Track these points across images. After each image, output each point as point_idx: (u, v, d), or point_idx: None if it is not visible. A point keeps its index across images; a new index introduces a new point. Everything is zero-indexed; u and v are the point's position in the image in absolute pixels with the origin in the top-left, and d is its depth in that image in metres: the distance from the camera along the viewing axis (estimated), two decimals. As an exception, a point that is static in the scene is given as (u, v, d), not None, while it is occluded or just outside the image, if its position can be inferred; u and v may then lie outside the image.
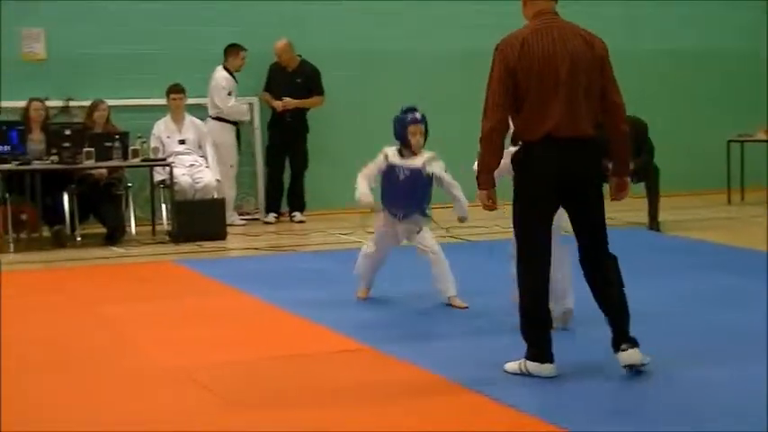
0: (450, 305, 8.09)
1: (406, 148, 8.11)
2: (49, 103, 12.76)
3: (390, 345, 6.89)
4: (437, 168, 8.08)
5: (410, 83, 14.45)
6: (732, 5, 16.38)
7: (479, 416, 5.49)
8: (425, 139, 8.15)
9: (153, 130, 13.07)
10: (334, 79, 14.05)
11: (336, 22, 14.58)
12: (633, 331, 6.05)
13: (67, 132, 12.01)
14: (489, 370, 6.19)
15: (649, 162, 12.47)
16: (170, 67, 13.53)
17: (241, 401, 5.79)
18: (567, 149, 5.95)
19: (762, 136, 15.14)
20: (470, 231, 11.68)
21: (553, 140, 5.93)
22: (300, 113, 13.96)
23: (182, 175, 12.72)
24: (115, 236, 12.24)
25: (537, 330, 6.06)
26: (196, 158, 13.12)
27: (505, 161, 6.20)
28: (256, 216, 14.16)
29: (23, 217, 12.02)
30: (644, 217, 12.49)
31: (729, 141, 15.17)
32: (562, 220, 6.36)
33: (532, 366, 6.02)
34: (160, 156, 12.63)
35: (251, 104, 14.11)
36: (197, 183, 12.84)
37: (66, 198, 12.15)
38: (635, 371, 5.99)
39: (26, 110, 12.40)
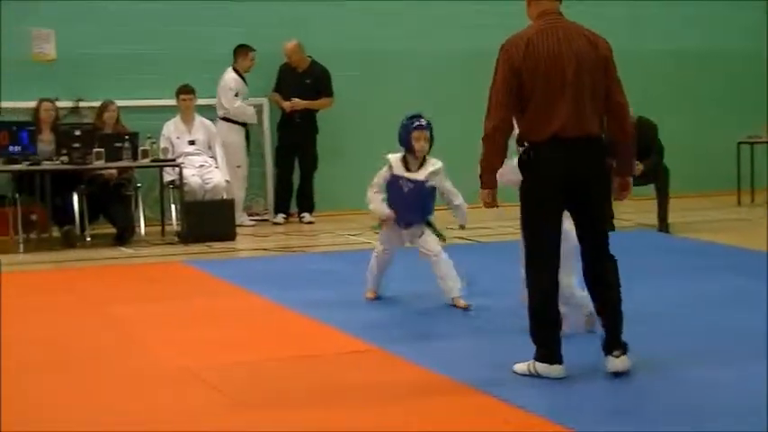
0: (454, 305, 8.10)
1: (411, 154, 8.14)
2: (59, 104, 12.79)
3: (398, 345, 6.89)
4: (439, 182, 8.16)
5: (418, 84, 14.45)
6: (736, 5, 16.31)
7: (487, 416, 5.48)
8: (431, 146, 8.18)
9: (162, 130, 13.08)
10: (343, 80, 14.04)
11: (344, 23, 14.57)
12: (638, 331, 6.05)
13: (77, 133, 12.02)
14: (497, 371, 6.18)
15: (659, 163, 12.46)
16: (179, 68, 13.54)
17: (249, 402, 5.79)
18: (573, 149, 5.94)
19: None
20: (480, 233, 11.68)
21: (560, 141, 5.93)
22: (310, 114, 13.96)
23: (191, 175, 12.74)
24: (125, 236, 12.26)
25: (546, 331, 6.05)
26: (206, 159, 13.13)
27: (510, 177, 6.20)
28: (265, 217, 14.16)
29: (33, 217, 12.04)
30: (654, 218, 12.47)
31: (739, 143, 15.14)
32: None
33: (541, 367, 6.01)
34: (170, 156, 12.64)
35: (260, 105, 14.13)
36: (206, 183, 12.85)
37: (75, 198, 12.17)
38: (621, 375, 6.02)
39: (36, 110, 12.42)
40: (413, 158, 8.17)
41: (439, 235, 8.29)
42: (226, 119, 13.57)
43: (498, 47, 6.07)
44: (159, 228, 12.66)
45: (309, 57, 13.98)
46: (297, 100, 13.79)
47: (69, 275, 10.32)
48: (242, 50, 13.58)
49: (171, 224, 12.83)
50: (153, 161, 12.35)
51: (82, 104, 13.29)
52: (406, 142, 8.13)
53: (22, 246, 11.75)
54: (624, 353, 6.01)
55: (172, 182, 12.78)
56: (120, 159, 12.05)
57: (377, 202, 8.28)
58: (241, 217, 13.34)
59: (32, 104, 12.50)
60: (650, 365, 6.21)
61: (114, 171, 12.38)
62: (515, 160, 6.22)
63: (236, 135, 13.64)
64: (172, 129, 13.16)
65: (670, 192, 12.49)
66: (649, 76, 15.25)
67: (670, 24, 16.11)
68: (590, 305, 6.97)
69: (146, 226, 12.67)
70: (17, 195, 11.99)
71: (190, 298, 8.92)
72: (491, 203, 6.17)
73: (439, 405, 5.69)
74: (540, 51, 5.94)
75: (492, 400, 5.66)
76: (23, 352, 7.06)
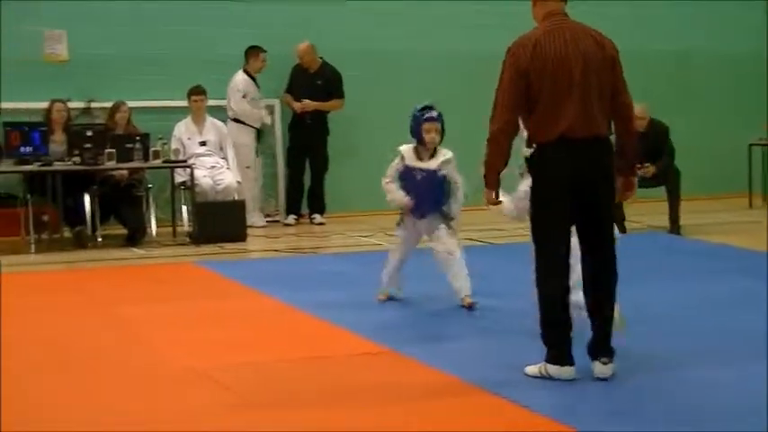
0: (462, 305, 8.12)
1: (422, 146, 8.15)
2: (71, 105, 12.82)
3: (409, 347, 6.88)
4: (451, 171, 8.16)
5: (431, 85, 14.42)
6: (743, 5, 16.23)
7: (497, 417, 5.48)
8: (442, 137, 8.19)
9: (174, 131, 13.10)
10: (354, 81, 14.04)
11: (356, 25, 14.57)
12: (646, 332, 6.04)
13: (89, 134, 12.04)
14: (508, 372, 6.19)
15: (670, 165, 12.45)
16: (191, 69, 13.55)
17: (260, 402, 5.80)
18: (580, 150, 5.94)
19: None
20: (493, 234, 11.68)
21: (567, 141, 5.93)
22: (321, 115, 13.97)
23: (202, 176, 12.74)
24: (136, 237, 12.27)
25: (556, 333, 6.04)
26: (217, 160, 13.14)
27: (519, 204, 6.23)
28: (276, 218, 14.17)
29: (45, 218, 12.07)
30: (665, 220, 12.45)
31: (751, 145, 15.11)
32: None
33: (553, 369, 6.00)
34: (181, 157, 12.65)
35: (272, 106, 14.14)
36: (218, 184, 12.86)
37: (87, 199, 12.18)
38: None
39: (48, 111, 12.45)
40: (424, 149, 8.18)
41: (452, 228, 8.28)
42: (236, 120, 13.58)
43: (507, 47, 6.07)
44: (170, 228, 12.67)
45: (321, 58, 13.99)
46: (307, 101, 13.80)
47: (80, 276, 10.34)
48: (253, 52, 13.59)
49: (182, 225, 12.83)
50: (164, 162, 12.37)
51: (93, 105, 13.31)
52: (416, 134, 8.14)
53: (33, 246, 11.77)
54: (611, 360, 6.02)
55: (183, 183, 12.79)
56: (132, 160, 12.07)
57: (394, 191, 8.26)
58: (252, 218, 13.34)
59: (44, 105, 12.52)
60: (656, 366, 6.24)
61: (125, 172, 12.39)
62: (523, 188, 6.27)
63: (246, 136, 13.65)
64: (183, 130, 13.17)
65: (681, 194, 12.46)
66: (653, 76, 15.17)
67: (674, 24, 16.03)
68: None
69: (157, 227, 12.66)
70: (29, 196, 12.01)
71: (201, 299, 8.92)
72: (494, 202, 6.22)
73: (449, 406, 5.69)
74: (548, 52, 5.94)
75: (502, 402, 5.66)
76: (34, 352, 7.08)
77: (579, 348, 6.06)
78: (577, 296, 6.26)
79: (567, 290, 6.04)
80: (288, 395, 5.93)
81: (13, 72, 12.90)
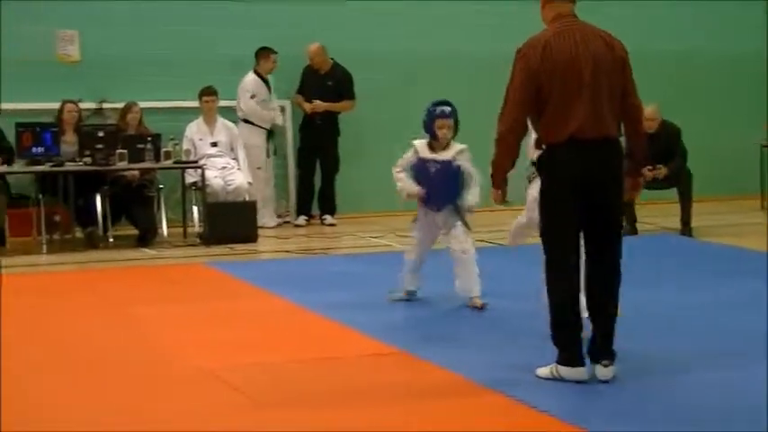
0: (472, 306, 8.13)
1: (435, 141, 8.16)
2: (83, 105, 12.83)
3: (419, 347, 6.88)
4: (465, 162, 8.14)
5: (442, 86, 14.37)
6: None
7: (506, 418, 5.49)
8: (455, 133, 8.19)
9: (185, 132, 13.10)
10: (365, 83, 14.04)
11: (367, 26, 14.56)
12: (654, 333, 6.03)
13: (100, 134, 12.05)
14: (517, 372, 6.19)
15: (682, 167, 12.43)
16: (202, 70, 13.55)
17: (271, 403, 5.80)
18: (590, 151, 5.94)
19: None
20: (503, 235, 11.64)
21: (577, 142, 5.92)
22: (331, 116, 13.96)
23: (213, 177, 12.75)
24: (147, 237, 12.28)
25: (567, 334, 6.03)
26: (228, 161, 13.14)
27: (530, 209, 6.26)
28: (287, 219, 14.17)
29: (56, 218, 12.09)
30: (678, 222, 12.43)
31: (762, 146, 15.05)
32: None
33: (564, 370, 5.99)
34: (192, 158, 12.65)
35: (283, 107, 14.14)
36: (229, 185, 12.87)
37: (98, 199, 12.20)
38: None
39: (60, 111, 12.48)
40: (437, 144, 8.19)
41: (466, 223, 8.26)
42: (246, 121, 13.59)
43: (517, 49, 6.07)
44: (181, 229, 12.67)
45: (332, 59, 13.99)
46: (318, 102, 13.80)
47: (92, 276, 10.36)
48: (263, 53, 13.59)
49: (193, 226, 12.84)
50: (175, 163, 12.38)
51: (105, 106, 13.34)
52: (429, 129, 8.15)
53: (45, 246, 11.79)
54: (612, 362, 6.01)
55: (194, 183, 12.79)
56: (143, 161, 12.09)
57: (404, 180, 8.25)
58: (263, 218, 13.33)
59: (56, 106, 12.55)
60: (666, 367, 6.25)
61: (137, 172, 12.41)
62: (534, 189, 6.29)
63: (257, 137, 13.65)
64: (194, 130, 13.18)
65: (693, 195, 12.44)
66: (656, 76, 15.06)
67: (680, 25, 15.94)
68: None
69: (168, 227, 12.67)
70: (40, 196, 12.03)
71: (211, 299, 8.93)
72: (501, 201, 6.26)
73: (459, 407, 5.69)
74: (558, 54, 5.94)
75: (512, 402, 5.66)
76: (45, 352, 7.09)
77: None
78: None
79: (577, 291, 6.04)
80: (298, 396, 5.93)
81: (25, 72, 12.94)
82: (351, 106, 14.03)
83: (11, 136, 12.07)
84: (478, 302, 8.11)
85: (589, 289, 6.10)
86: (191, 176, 12.79)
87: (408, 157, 8.26)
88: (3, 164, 11.92)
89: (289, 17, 14.14)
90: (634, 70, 6.12)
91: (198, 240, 12.34)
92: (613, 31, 6.17)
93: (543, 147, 6.11)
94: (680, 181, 12.40)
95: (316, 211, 14.18)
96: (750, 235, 12.24)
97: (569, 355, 5.99)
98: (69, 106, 12.49)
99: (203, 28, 13.84)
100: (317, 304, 8.35)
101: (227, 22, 13.93)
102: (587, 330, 6.11)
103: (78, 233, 12.23)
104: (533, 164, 6.62)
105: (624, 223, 11.47)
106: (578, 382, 5.94)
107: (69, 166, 11.90)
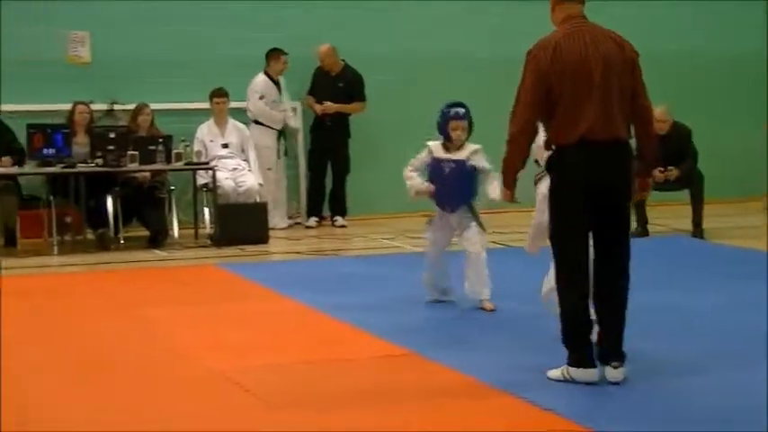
0: (482, 308, 8.13)
1: (449, 142, 8.17)
2: (94, 107, 12.85)
3: (430, 349, 6.88)
4: (480, 161, 8.13)
5: (452, 87, 14.37)
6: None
7: (517, 419, 5.50)
8: (469, 134, 8.19)
9: (196, 133, 13.12)
10: (377, 83, 14.04)
11: (378, 27, 14.56)
12: (666, 334, 6.02)
13: (112, 135, 12.06)
14: (527, 374, 6.19)
15: (693, 168, 12.40)
16: (213, 72, 13.56)
17: (281, 404, 5.80)
18: (600, 153, 5.93)
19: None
20: (513, 237, 11.64)
21: (587, 143, 5.92)
22: (342, 118, 13.96)
23: (224, 178, 12.76)
24: (158, 239, 12.30)
25: (577, 335, 6.02)
26: (239, 162, 13.15)
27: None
28: (298, 220, 14.17)
29: (68, 219, 12.11)
30: (689, 224, 12.40)
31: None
32: None
33: (575, 372, 5.98)
34: (203, 159, 12.66)
35: (294, 109, 14.14)
36: (240, 186, 12.88)
37: (109, 201, 12.22)
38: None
39: (71, 113, 12.50)
40: (451, 145, 8.19)
41: (480, 225, 8.26)
42: (257, 122, 13.59)
43: (527, 50, 6.08)
44: (192, 231, 12.68)
45: (343, 61, 13.99)
46: (329, 103, 13.81)
47: (103, 278, 10.36)
48: (274, 54, 13.59)
49: (204, 227, 12.84)
50: (186, 164, 12.39)
51: (116, 107, 13.36)
52: (443, 130, 8.16)
53: (56, 248, 11.81)
54: (622, 364, 6.00)
55: (205, 185, 12.80)
56: (154, 162, 12.09)
57: (413, 178, 8.27)
58: (274, 219, 13.33)
59: (67, 107, 12.57)
60: (677, 368, 6.26)
61: (148, 174, 12.42)
62: (544, 186, 6.29)
63: (267, 138, 13.65)
64: (205, 132, 13.19)
65: (705, 197, 12.42)
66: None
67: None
68: None
69: (179, 229, 12.68)
70: (52, 198, 12.04)
71: (222, 301, 8.93)
72: (511, 200, 6.30)
73: (470, 408, 5.69)
74: (568, 55, 5.94)
75: (523, 404, 5.66)
76: (56, 354, 7.10)
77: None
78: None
79: (587, 292, 6.03)
80: (309, 397, 5.93)
81: (36, 74, 12.97)
82: (361, 108, 14.03)
83: (22, 137, 12.10)
84: (488, 305, 8.12)
85: (598, 290, 6.08)
86: (202, 178, 12.80)
87: (422, 157, 8.27)
88: (14, 165, 11.96)
89: (300, 18, 14.14)
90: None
91: (209, 242, 12.35)
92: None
93: (553, 148, 6.10)
94: (691, 182, 12.37)
95: (326, 212, 14.19)
96: (762, 237, 12.20)
97: (580, 357, 5.98)
98: (81, 108, 12.51)
99: (214, 29, 13.85)
100: (328, 305, 8.35)
101: (239, 24, 13.93)
102: (595, 332, 6.11)
103: (89, 234, 12.25)
104: (537, 163, 6.63)
105: (635, 225, 11.52)
106: (589, 383, 5.94)
107: (81, 168, 11.90)
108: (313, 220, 14.02)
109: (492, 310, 8.07)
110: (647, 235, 12.10)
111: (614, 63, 5.98)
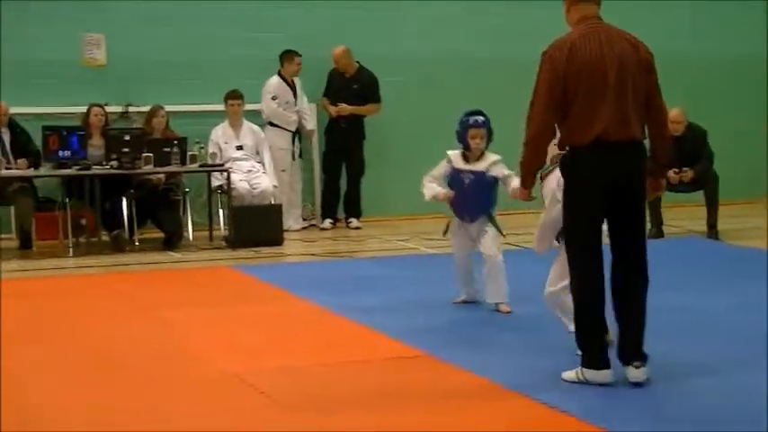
0: (498, 311, 8.14)
1: (468, 151, 8.16)
2: (109, 109, 12.90)
3: (444, 351, 6.88)
4: (499, 171, 8.13)
5: (467, 88, 14.39)
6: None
7: (531, 420, 5.50)
8: (488, 143, 8.19)
9: (211, 135, 13.14)
10: (392, 85, 14.05)
11: (391, 28, 14.56)
12: (681, 336, 6.00)
13: (127, 138, 12.10)
14: (541, 375, 6.19)
15: (708, 169, 12.37)
16: (228, 74, 13.58)
17: (296, 406, 5.80)
18: (615, 153, 5.92)
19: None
20: (527, 239, 11.62)
21: (602, 144, 5.90)
22: (356, 120, 13.97)
23: (239, 180, 12.78)
24: (173, 241, 12.32)
25: (591, 337, 6.01)
26: (254, 164, 13.16)
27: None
28: (313, 222, 14.18)
29: (83, 221, 12.14)
30: (704, 225, 12.37)
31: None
32: None
33: (589, 374, 5.97)
34: (218, 161, 12.69)
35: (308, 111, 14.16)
36: (254, 188, 12.89)
37: (124, 203, 12.25)
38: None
39: (86, 115, 12.54)
40: (471, 155, 8.20)
41: (499, 230, 8.26)
42: (272, 124, 13.61)
43: (543, 51, 6.06)
44: (207, 232, 12.71)
45: (357, 62, 14.00)
46: (343, 105, 13.82)
47: (118, 279, 10.38)
48: (288, 56, 13.61)
49: (219, 229, 12.86)
50: (201, 166, 12.41)
51: (131, 110, 13.40)
52: (463, 139, 8.17)
53: (71, 250, 11.83)
54: (644, 364, 5.98)
55: (220, 187, 12.82)
56: (169, 164, 12.12)
57: (431, 188, 8.29)
58: (288, 221, 13.34)
59: (82, 109, 12.61)
60: (692, 370, 6.25)
61: (163, 176, 12.44)
62: (552, 183, 6.30)
63: (282, 140, 13.66)
64: (220, 134, 13.22)
65: (720, 198, 12.39)
66: (682, 78, 14.95)
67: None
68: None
69: (194, 231, 12.71)
70: (67, 200, 12.07)
71: (237, 303, 8.94)
72: (528, 199, 6.34)
73: (484, 410, 5.68)
74: (583, 55, 5.93)
75: (537, 405, 5.66)
76: (71, 354, 7.12)
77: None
78: None
79: (601, 293, 6.01)
80: (323, 399, 5.93)
81: (52, 76, 13.01)
82: (376, 109, 14.03)
83: (37, 140, 12.14)
84: (505, 308, 8.12)
85: (617, 294, 6.07)
86: (216, 180, 12.83)
87: (442, 167, 8.28)
88: (30, 167, 12.00)
89: (317, 21, 14.15)
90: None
91: (223, 243, 12.37)
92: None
93: (566, 148, 6.09)
94: (706, 184, 12.34)
95: (341, 214, 14.20)
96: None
97: (594, 358, 5.97)
98: (96, 110, 12.55)
99: (229, 31, 13.86)
100: (343, 307, 8.35)
101: (253, 26, 13.95)
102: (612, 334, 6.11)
103: (104, 236, 12.28)
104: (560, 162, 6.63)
105: (650, 226, 11.49)
106: (603, 384, 5.93)
107: (96, 170, 11.94)
108: (328, 222, 14.03)
109: (508, 313, 8.08)
110: (662, 236, 12.08)
111: (629, 64, 5.97)
